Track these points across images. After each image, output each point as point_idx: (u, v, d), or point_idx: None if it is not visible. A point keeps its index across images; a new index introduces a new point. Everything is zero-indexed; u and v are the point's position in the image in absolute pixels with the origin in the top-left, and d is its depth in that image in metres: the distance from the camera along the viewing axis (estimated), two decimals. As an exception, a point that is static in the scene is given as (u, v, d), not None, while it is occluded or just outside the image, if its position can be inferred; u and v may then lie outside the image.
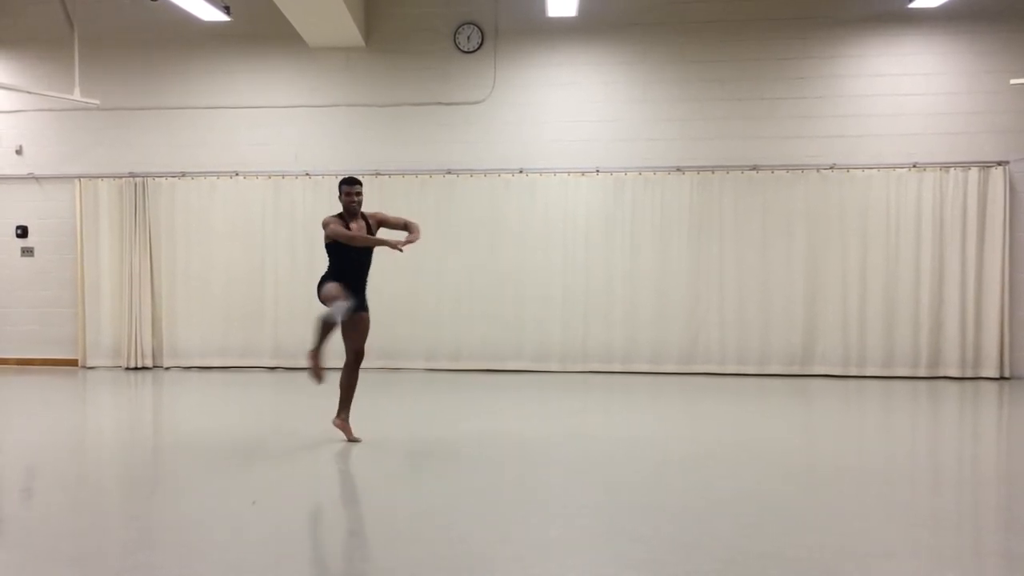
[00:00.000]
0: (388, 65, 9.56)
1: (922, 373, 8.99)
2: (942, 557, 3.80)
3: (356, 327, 5.93)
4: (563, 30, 9.32)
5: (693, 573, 3.55)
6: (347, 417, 6.04)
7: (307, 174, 9.58)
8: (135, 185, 9.71)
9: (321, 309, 5.79)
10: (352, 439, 5.93)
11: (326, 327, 5.75)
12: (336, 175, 9.51)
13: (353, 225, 5.88)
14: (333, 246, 5.84)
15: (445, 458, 5.55)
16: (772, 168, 9.13)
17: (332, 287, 5.74)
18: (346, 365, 6.09)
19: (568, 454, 5.68)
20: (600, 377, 9.12)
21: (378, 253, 6.00)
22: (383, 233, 6.05)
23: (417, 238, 5.85)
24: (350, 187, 5.95)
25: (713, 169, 9.18)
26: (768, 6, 9.18)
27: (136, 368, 9.69)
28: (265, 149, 9.70)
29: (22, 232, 9.96)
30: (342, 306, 5.62)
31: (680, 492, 4.76)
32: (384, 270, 9.46)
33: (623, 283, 9.30)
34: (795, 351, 9.16)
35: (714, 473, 5.18)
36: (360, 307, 5.89)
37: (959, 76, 9.04)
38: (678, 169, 9.23)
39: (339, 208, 5.96)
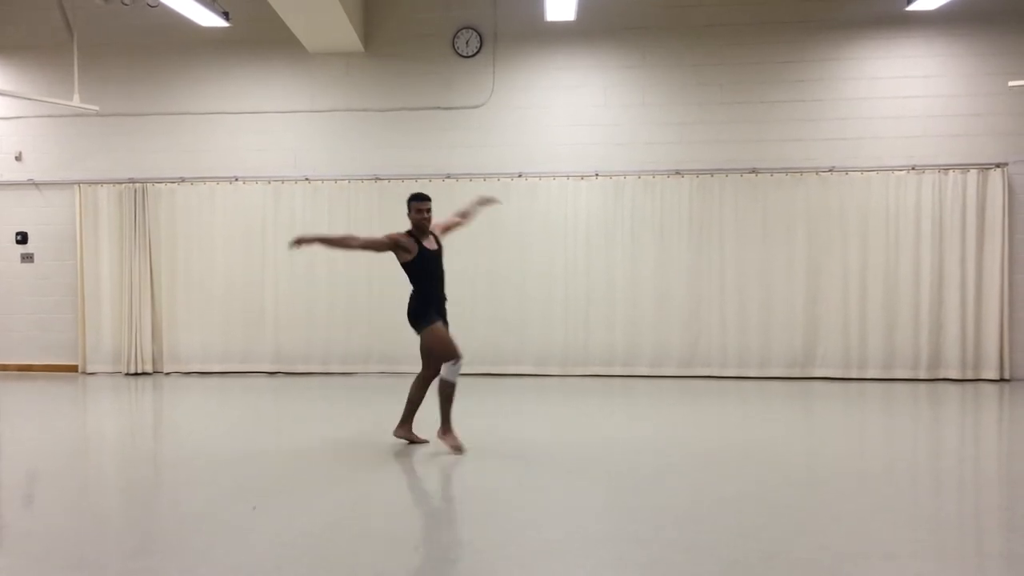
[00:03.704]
0: (387, 70, 9.58)
1: (922, 375, 8.99)
2: (943, 558, 3.80)
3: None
4: (562, 34, 9.33)
5: (695, 575, 3.54)
6: (411, 427, 5.95)
7: (307, 179, 9.59)
8: (135, 191, 9.72)
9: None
10: (421, 441, 5.92)
11: (449, 391, 5.71)
12: (336, 180, 9.56)
13: (425, 244, 5.69)
14: (410, 266, 5.66)
15: (446, 461, 5.55)
16: (772, 171, 9.14)
17: (442, 334, 5.62)
18: (425, 378, 5.89)
19: (570, 457, 5.67)
20: (601, 381, 9.11)
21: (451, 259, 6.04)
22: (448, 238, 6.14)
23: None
24: (420, 203, 5.65)
25: (712, 172, 9.18)
26: (767, 10, 9.20)
27: (136, 373, 9.68)
28: (265, 154, 9.71)
29: (22, 238, 9.97)
30: (457, 368, 5.61)
31: (682, 494, 4.76)
32: (385, 273, 9.49)
33: (624, 287, 9.30)
34: (796, 354, 9.16)
35: (716, 475, 5.18)
36: (445, 319, 5.83)
37: (958, 78, 9.06)
38: (677, 172, 9.23)
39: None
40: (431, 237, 5.79)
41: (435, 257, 5.77)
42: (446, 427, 5.79)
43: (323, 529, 4.16)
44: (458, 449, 5.69)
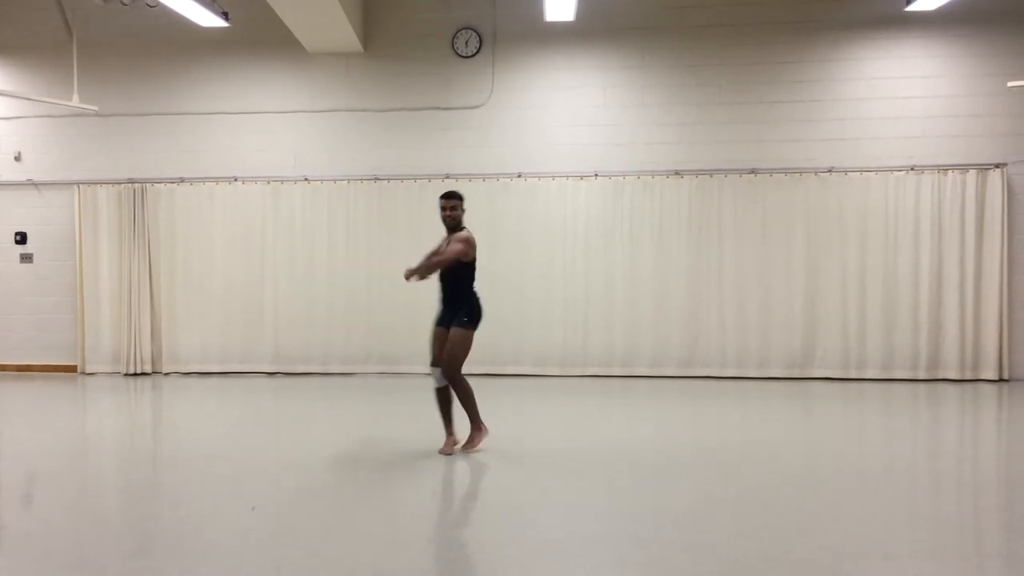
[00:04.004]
0: (387, 70, 9.58)
1: (921, 375, 8.99)
2: (943, 558, 3.80)
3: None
4: (561, 35, 9.33)
5: (695, 575, 3.55)
6: (480, 425, 5.89)
7: (306, 179, 9.59)
8: (134, 191, 9.71)
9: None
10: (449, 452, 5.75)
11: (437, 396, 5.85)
12: (335, 180, 9.56)
13: (443, 244, 5.96)
14: None
15: (445, 461, 5.55)
16: (771, 171, 9.15)
17: (432, 339, 5.88)
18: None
19: (569, 457, 5.67)
20: (600, 381, 9.11)
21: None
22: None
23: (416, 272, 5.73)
24: (444, 200, 5.88)
25: (712, 173, 9.19)
26: (766, 10, 9.20)
27: (135, 374, 9.67)
28: (264, 154, 9.70)
29: (21, 238, 9.96)
30: (434, 371, 5.79)
31: (682, 494, 4.76)
32: (384, 274, 9.50)
33: (623, 287, 9.30)
34: (795, 354, 9.16)
35: (715, 476, 5.18)
36: (440, 321, 5.93)
37: (957, 79, 9.06)
38: (676, 173, 9.24)
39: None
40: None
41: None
42: (446, 430, 5.89)
43: (322, 529, 4.16)
44: (450, 451, 5.73)
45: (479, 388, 8.78)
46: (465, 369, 9.60)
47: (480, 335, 9.31)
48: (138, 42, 9.76)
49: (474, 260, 5.94)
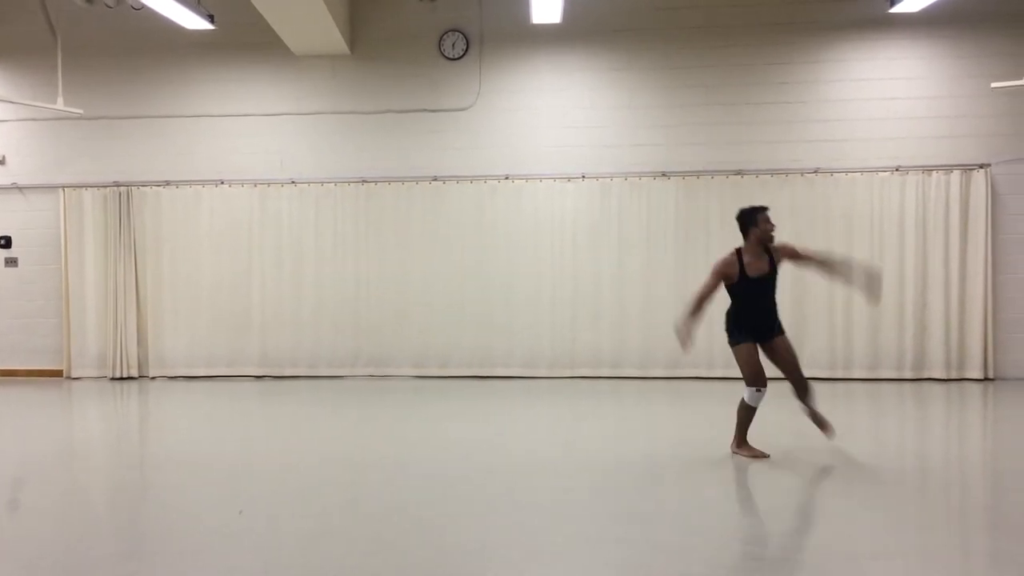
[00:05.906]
0: (373, 73, 9.56)
1: (907, 375, 9.04)
2: (930, 557, 3.83)
3: (774, 355, 5.79)
4: (548, 37, 9.34)
5: (683, 576, 3.56)
6: (741, 440, 5.78)
7: (293, 182, 9.56)
8: (120, 194, 9.66)
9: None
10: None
11: (745, 413, 5.75)
12: (322, 182, 9.54)
13: (753, 262, 5.74)
14: (729, 288, 5.77)
15: (434, 464, 5.54)
16: (757, 173, 9.18)
17: (747, 358, 5.70)
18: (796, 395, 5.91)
19: (556, 459, 5.68)
20: (589, 382, 9.12)
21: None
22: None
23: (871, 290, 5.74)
24: (767, 213, 5.77)
25: (698, 174, 9.22)
26: (752, 12, 9.24)
27: (122, 378, 9.61)
28: (250, 157, 9.67)
29: (6, 242, 9.89)
30: (759, 396, 5.64)
31: (671, 495, 4.77)
32: (372, 275, 9.49)
33: (611, 288, 9.31)
34: (782, 354, 9.18)
35: (703, 477, 5.19)
36: (770, 334, 5.81)
37: (941, 80, 9.13)
38: (663, 174, 9.26)
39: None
40: (765, 257, 5.80)
41: (758, 283, 5.76)
42: (739, 440, 5.75)
43: (311, 532, 4.15)
44: (758, 456, 5.61)
45: (469, 390, 8.77)
46: (454, 371, 9.64)
47: (470, 337, 9.40)
48: (123, 45, 9.71)
49: (731, 281, 5.80)
